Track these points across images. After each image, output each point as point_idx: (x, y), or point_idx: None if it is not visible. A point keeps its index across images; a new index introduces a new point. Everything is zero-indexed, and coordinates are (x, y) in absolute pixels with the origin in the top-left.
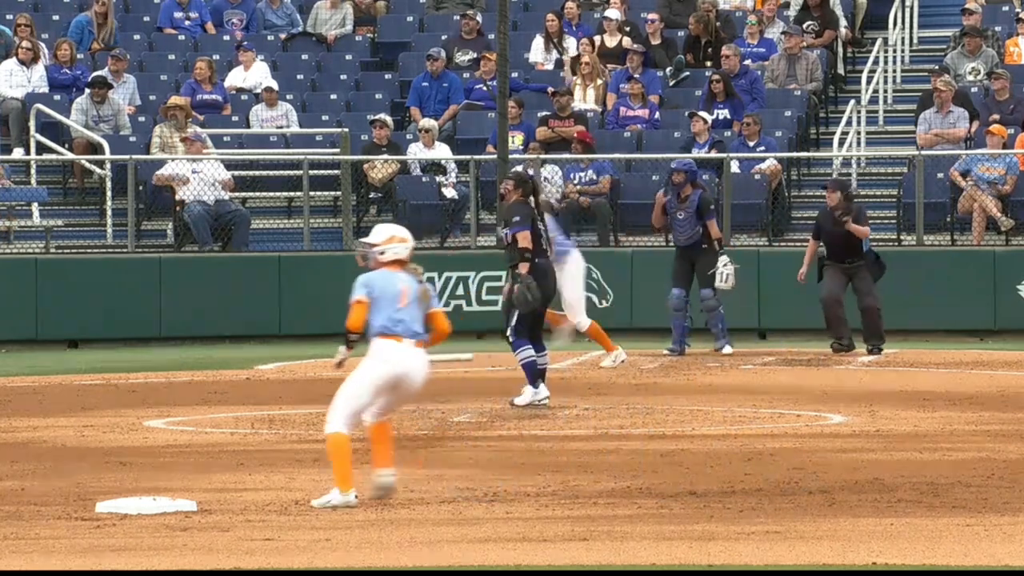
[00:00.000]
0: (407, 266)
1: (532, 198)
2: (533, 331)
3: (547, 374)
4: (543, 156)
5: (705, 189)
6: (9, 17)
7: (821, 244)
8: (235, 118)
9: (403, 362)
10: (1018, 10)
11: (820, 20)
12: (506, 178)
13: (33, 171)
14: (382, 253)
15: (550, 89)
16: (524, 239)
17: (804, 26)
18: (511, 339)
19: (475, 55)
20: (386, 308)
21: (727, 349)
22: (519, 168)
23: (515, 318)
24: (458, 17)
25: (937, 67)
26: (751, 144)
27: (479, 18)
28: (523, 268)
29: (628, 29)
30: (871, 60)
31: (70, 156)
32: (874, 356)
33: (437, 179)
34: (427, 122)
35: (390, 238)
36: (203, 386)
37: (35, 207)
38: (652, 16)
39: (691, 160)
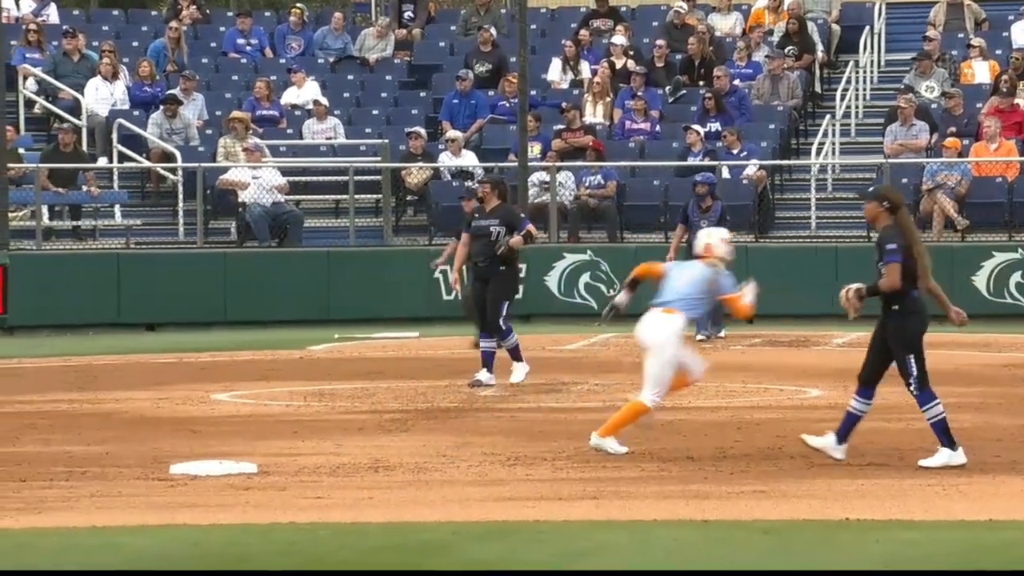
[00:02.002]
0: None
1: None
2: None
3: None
4: (558, 164)
5: (720, 198)
6: (95, 43)
7: None
8: (290, 131)
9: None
10: (970, 37)
11: (799, 45)
12: (481, 181)
13: (115, 177)
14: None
15: (564, 104)
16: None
17: (786, 50)
18: (503, 325)
19: (491, 66)
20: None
21: (702, 338)
22: (493, 173)
23: (506, 307)
24: (481, 43)
25: (901, 86)
26: (734, 152)
27: (492, 31)
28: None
29: (632, 53)
30: (844, 80)
31: (147, 164)
32: None
33: (465, 184)
34: (455, 133)
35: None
36: (262, 364)
37: (117, 208)
38: (660, 42)
39: (712, 175)
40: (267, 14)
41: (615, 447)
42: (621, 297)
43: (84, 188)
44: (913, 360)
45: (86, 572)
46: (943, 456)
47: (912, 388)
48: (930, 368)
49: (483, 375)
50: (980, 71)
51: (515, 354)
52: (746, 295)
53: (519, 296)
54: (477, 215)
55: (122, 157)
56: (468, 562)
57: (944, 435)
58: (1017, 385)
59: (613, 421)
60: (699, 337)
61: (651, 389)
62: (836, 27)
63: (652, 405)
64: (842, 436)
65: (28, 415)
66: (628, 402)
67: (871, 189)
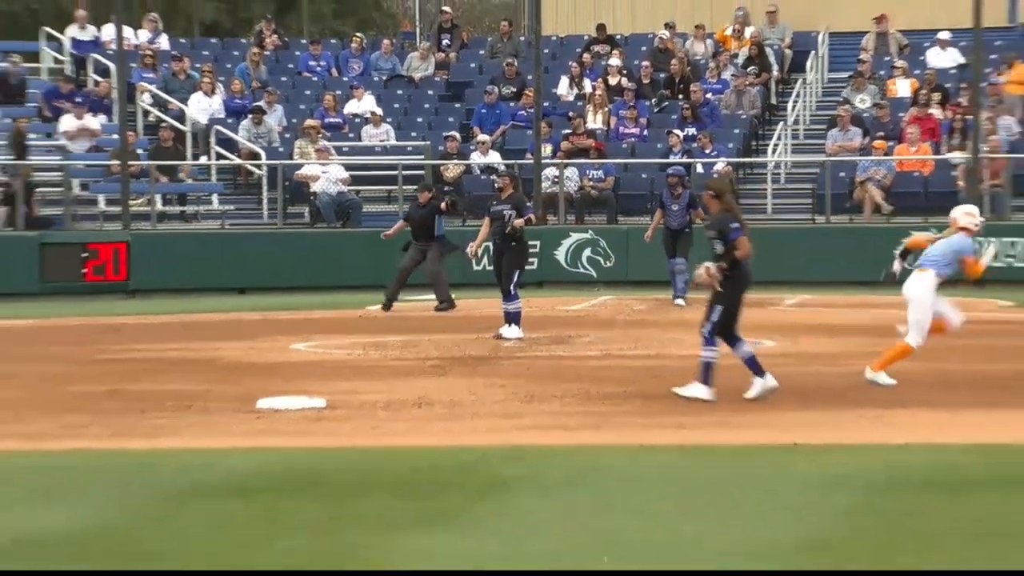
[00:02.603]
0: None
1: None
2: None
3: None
4: (566, 161)
5: (690, 187)
6: (197, 65)
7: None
8: (351, 135)
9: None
10: (895, 60)
11: (759, 66)
12: (504, 175)
13: (213, 172)
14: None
15: (570, 114)
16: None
17: (748, 70)
18: (513, 292)
19: (515, 89)
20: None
21: (680, 303)
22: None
23: (518, 276)
24: (505, 64)
25: (840, 99)
26: (707, 151)
27: (516, 63)
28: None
29: (624, 72)
30: (794, 94)
31: (238, 161)
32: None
33: (491, 177)
34: (483, 137)
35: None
36: (329, 321)
37: (215, 197)
38: (646, 63)
39: (682, 168)
40: (333, 41)
41: (886, 380)
42: (896, 265)
43: (180, 176)
44: (720, 312)
45: (90, 572)
46: (699, 390)
47: (705, 330)
48: (861, 324)
49: (505, 330)
50: (902, 87)
51: (516, 318)
52: (983, 259)
53: (533, 267)
54: (496, 202)
55: (218, 156)
56: (493, 478)
57: (706, 373)
58: (929, 336)
59: (884, 359)
60: (677, 301)
61: (915, 334)
62: (788, 51)
63: (916, 346)
64: (705, 381)
65: (146, 360)
66: (895, 345)
67: (708, 184)
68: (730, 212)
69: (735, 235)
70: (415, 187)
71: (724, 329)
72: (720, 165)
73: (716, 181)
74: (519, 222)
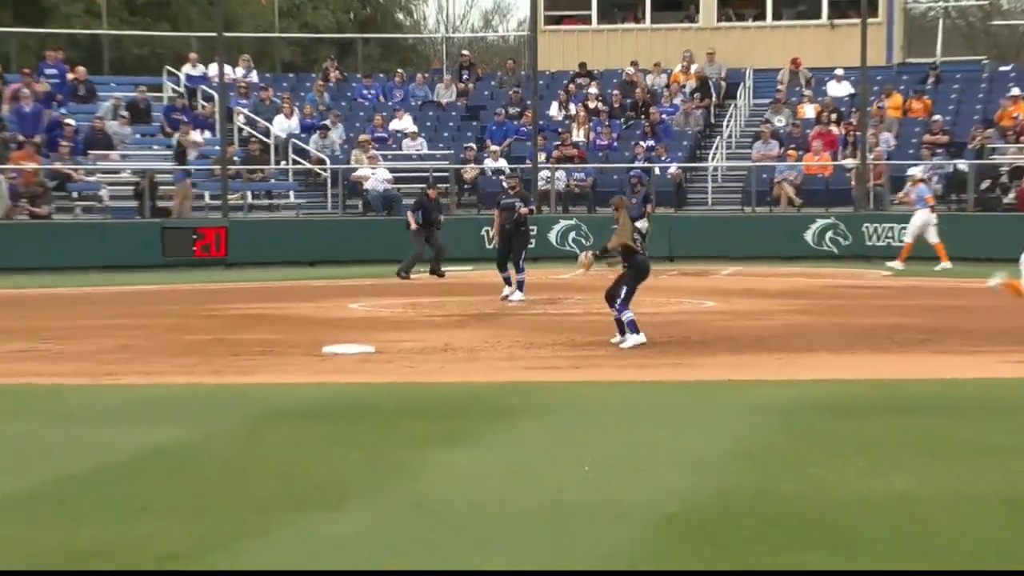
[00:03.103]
0: None
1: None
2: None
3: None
4: (556, 165)
5: (646, 186)
6: (279, 93)
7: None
8: (394, 145)
9: None
10: (804, 90)
11: (701, 94)
12: (511, 176)
13: (290, 175)
14: None
15: (559, 129)
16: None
17: (693, 97)
18: (521, 266)
19: (518, 111)
20: None
21: None
22: (517, 171)
23: (524, 253)
24: (510, 92)
25: (762, 119)
26: (663, 159)
27: (518, 91)
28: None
29: (600, 98)
30: (728, 116)
31: (309, 166)
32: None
33: (500, 177)
34: (494, 147)
35: None
36: (377, 287)
37: (291, 193)
38: (616, 92)
39: (640, 171)
40: (380, 75)
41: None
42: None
43: (265, 177)
44: (627, 289)
45: (94, 572)
46: (636, 339)
47: (619, 303)
48: (778, 288)
49: (513, 295)
50: (808, 110)
51: (521, 286)
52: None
53: (532, 246)
54: (505, 197)
55: (294, 162)
56: (499, 406)
57: (631, 328)
58: (830, 298)
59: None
60: None
61: None
62: (723, 83)
63: None
64: (622, 332)
65: (239, 316)
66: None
67: (611, 200)
68: (621, 219)
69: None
70: (423, 185)
71: (614, 296)
72: (673, 169)
73: (618, 200)
74: (525, 211)
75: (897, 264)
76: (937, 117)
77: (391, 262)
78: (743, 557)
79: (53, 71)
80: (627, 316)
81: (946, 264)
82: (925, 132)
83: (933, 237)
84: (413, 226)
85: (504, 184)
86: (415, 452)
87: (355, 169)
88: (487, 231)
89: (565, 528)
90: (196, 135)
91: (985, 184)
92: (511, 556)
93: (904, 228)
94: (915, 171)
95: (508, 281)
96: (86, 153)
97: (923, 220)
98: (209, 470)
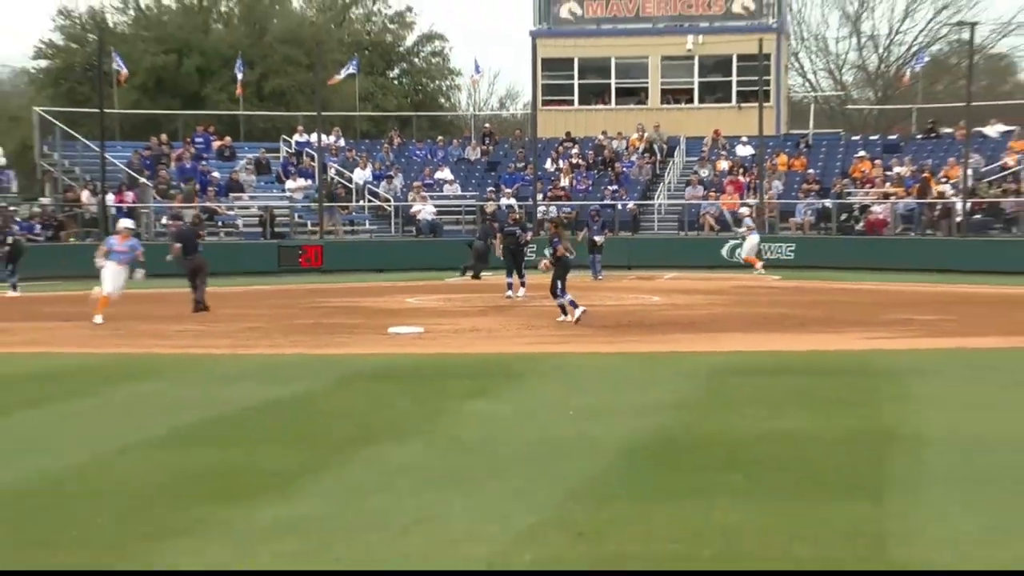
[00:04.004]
0: None
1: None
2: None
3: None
4: (549, 202)
5: (603, 216)
6: (359, 154)
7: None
8: (438, 189)
9: None
10: (720, 152)
11: (649, 153)
12: (512, 211)
13: (366, 209)
14: None
15: (552, 178)
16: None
17: (644, 155)
18: (523, 274)
19: (523, 165)
20: None
21: (600, 278)
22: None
23: (524, 266)
24: (518, 151)
25: (693, 171)
26: (623, 198)
27: (525, 151)
28: (525, 237)
29: (580, 156)
30: (668, 169)
31: (379, 203)
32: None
33: (508, 209)
34: (507, 190)
35: None
36: (426, 287)
37: (367, 222)
38: (591, 152)
39: (598, 206)
40: (428, 140)
41: None
42: None
43: (349, 211)
44: (560, 281)
45: (100, 572)
46: (577, 312)
47: (559, 292)
48: (705, 288)
49: (512, 293)
50: (723, 165)
51: (524, 286)
52: None
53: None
54: (507, 225)
55: (369, 200)
56: (512, 370)
57: (572, 304)
58: (738, 294)
59: None
60: (599, 277)
61: None
62: (665, 146)
63: None
64: (565, 312)
65: (332, 307)
66: None
67: (548, 223)
68: (557, 234)
69: (556, 244)
70: (474, 217)
71: (557, 286)
72: (630, 205)
73: (556, 219)
74: (523, 236)
75: (760, 269)
76: (811, 171)
77: (437, 270)
78: (679, 475)
79: (200, 140)
80: (567, 298)
81: (760, 271)
82: (803, 181)
83: (751, 253)
84: (499, 248)
85: (510, 216)
86: (451, 402)
87: (411, 206)
88: (492, 244)
89: (555, 456)
90: (301, 181)
91: (844, 216)
92: (516, 478)
93: (785, 247)
94: (744, 210)
95: (510, 286)
96: (227, 195)
97: (754, 241)
98: (310, 413)
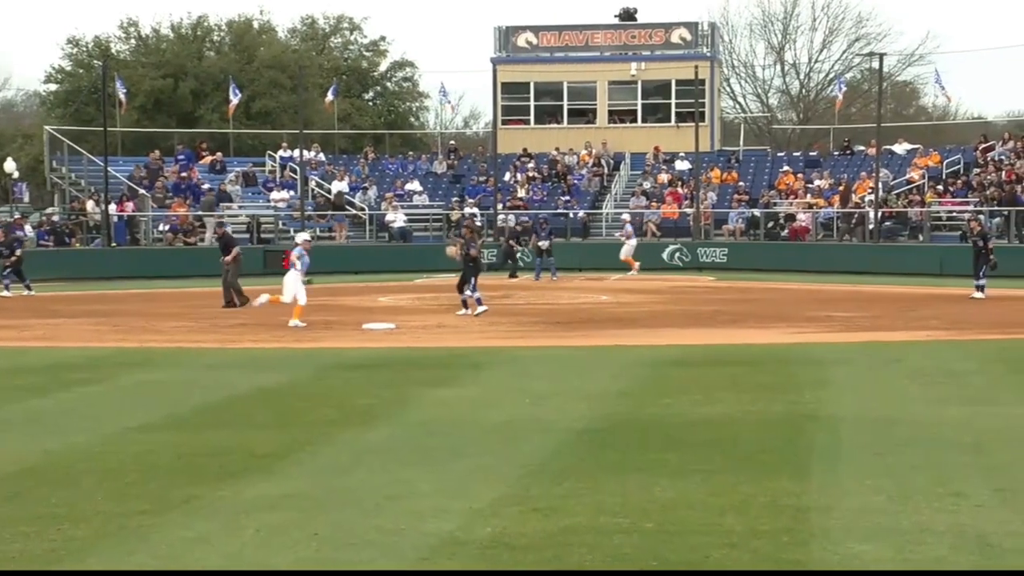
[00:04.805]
0: None
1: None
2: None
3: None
4: (508, 211)
5: (550, 224)
6: (337, 167)
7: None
8: (407, 199)
9: None
10: (661, 167)
11: (597, 168)
12: (467, 226)
13: (344, 218)
14: None
15: (511, 189)
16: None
17: (593, 169)
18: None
19: (485, 178)
20: None
21: (556, 277)
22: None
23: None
24: (480, 165)
25: (637, 184)
26: (574, 207)
27: (485, 166)
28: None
29: (536, 169)
30: (615, 181)
31: (355, 212)
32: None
33: (473, 218)
34: (470, 200)
35: None
36: (398, 287)
37: (346, 228)
38: (545, 165)
39: (548, 215)
40: (399, 155)
41: None
42: None
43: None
44: (473, 279)
45: (96, 572)
46: (481, 308)
47: (469, 288)
48: (648, 287)
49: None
50: (664, 178)
51: (479, 302)
52: None
53: (495, 261)
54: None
55: (348, 210)
56: (473, 361)
57: (479, 302)
58: (677, 294)
59: None
60: (554, 278)
61: None
62: (611, 161)
63: None
64: (466, 306)
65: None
66: None
67: (464, 225)
68: (473, 238)
69: (472, 247)
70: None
71: (470, 283)
72: (581, 214)
73: (469, 223)
74: (474, 253)
75: (636, 271)
76: (741, 183)
77: (407, 272)
78: (624, 454)
79: (182, 157)
80: (477, 295)
81: (634, 272)
82: (734, 193)
83: (629, 254)
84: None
85: (477, 221)
86: (419, 390)
87: (384, 214)
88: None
89: (513, 438)
90: (284, 193)
91: (770, 224)
92: (477, 458)
93: (719, 251)
94: (626, 216)
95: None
96: (218, 204)
97: (632, 244)
98: (292, 400)
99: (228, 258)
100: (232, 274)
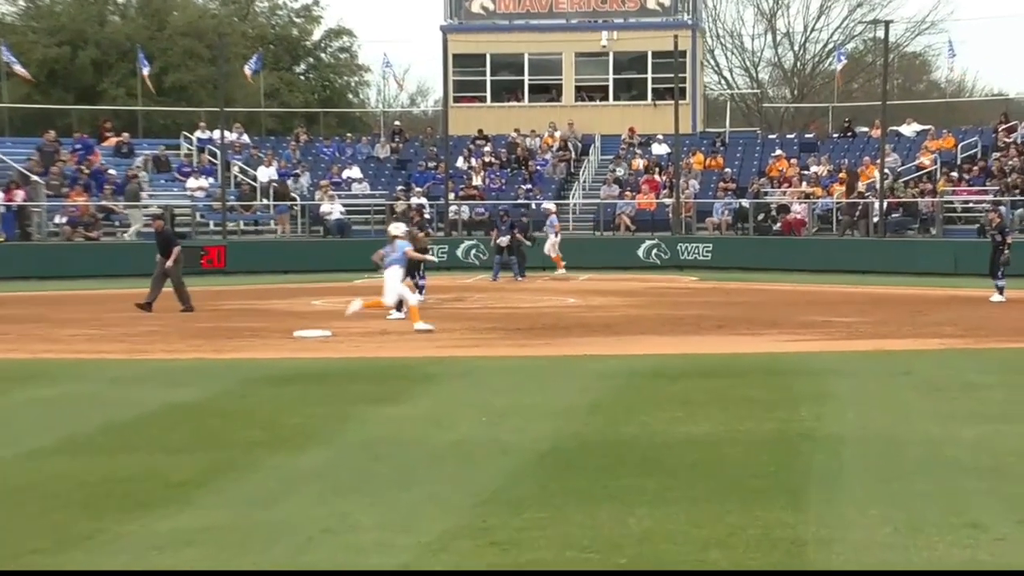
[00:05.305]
0: None
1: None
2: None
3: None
4: (462, 202)
5: (512, 217)
6: (263, 151)
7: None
8: (346, 188)
9: None
10: (636, 151)
11: (564, 152)
12: (420, 207)
13: (271, 208)
14: None
15: (464, 176)
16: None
17: (558, 154)
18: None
19: (435, 163)
20: None
21: (520, 278)
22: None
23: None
24: (429, 149)
25: (609, 169)
26: (539, 198)
27: (435, 150)
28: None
29: (493, 154)
30: (583, 168)
31: (289, 203)
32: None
33: (423, 209)
34: (417, 189)
35: None
36: (334, 289)
37: (272, 222)
38: (503, 149)
39: (508, 207)
40: (336, 138)
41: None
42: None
43: (253, 210)
44: (400, 288)
45: (92, 572)
46: (421, 326)
47: (418, 284)
48: (619, 289)
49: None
50: (640, 163)
51: (421, 291)
52: None
53: (444, 259)
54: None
55: (275, 199)
56: (423, 373)
57: (414, 315)
58: (654, 296)
59: None
60: (518, 279)
61: None
62: (579, 144)
63: None
64: (408, 312)
65: (234, 310)
66: None
67: (403, 226)
68: (416, 239)
69: (405, 247)
70: (394, 215)
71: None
72: (546, 205)
73: (412, 228)
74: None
75: (562, 269)
76: (727, 170)
77: (344, 271)
78: (593, 480)
79: (80, 146)
80: (417, 298)
81: (562, 270)
82: (719, 180)
83: (555, 252)
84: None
85: (426, 213)
86: (360, 407)
87: (319, 205)
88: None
89: (466, 461)
90: (202, 180)
91: (761, 216)
92: (427, 485)
93: (702, 247)
94: (549, 205)
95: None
96: (124, 193)
97: (553, 240)
98: (211, 419)
99: (169, 261)
100: (175, 275)
